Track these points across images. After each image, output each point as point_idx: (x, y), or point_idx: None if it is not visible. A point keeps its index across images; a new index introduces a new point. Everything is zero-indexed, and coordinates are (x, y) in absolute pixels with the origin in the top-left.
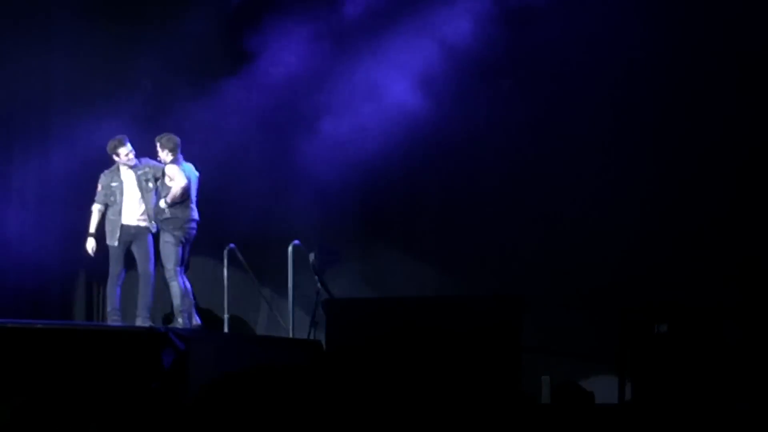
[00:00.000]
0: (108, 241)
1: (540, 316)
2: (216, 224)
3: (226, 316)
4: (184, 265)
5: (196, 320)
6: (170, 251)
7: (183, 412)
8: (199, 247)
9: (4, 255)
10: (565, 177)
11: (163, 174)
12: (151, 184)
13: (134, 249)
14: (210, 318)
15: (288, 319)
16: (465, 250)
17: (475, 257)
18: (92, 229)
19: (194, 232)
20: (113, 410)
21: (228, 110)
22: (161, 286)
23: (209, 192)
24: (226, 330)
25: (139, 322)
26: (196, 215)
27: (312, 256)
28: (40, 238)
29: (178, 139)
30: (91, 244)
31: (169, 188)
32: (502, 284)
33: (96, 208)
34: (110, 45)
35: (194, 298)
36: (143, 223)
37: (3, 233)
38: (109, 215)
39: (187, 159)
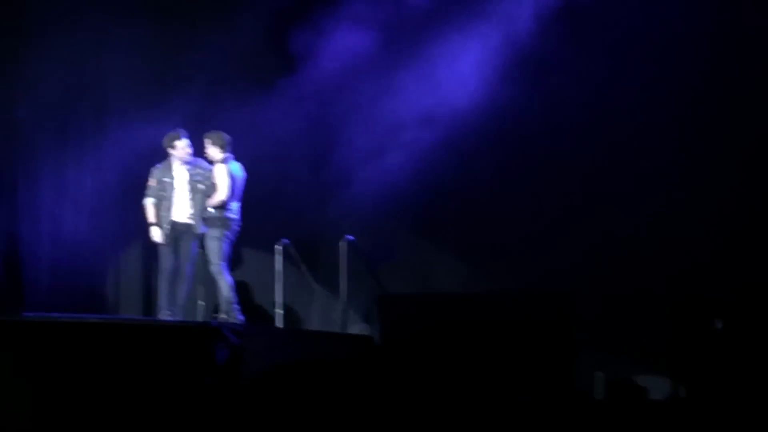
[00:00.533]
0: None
1: (594, 312)
2: (270, 220)
3: (279, 311)
4: (228, 261)
5: (239, 317)
6: (216, 247)
7: (236, 406)
8: (253, 243)
9: (60, 252)
10: (617, 172)
11: (212, 174)
12: (200, 186)
13: (180, 246)
14: (263, 313)
15: (340, 314)
16: (517, 247)
17: (526, 253)
18: (153, 219)
19: (238, 229)
20: (168, 405)
21: (281, 107)
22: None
23: (263, 188)
24: (279, 325)
25: (165, 317)
26: (239, 214)
27: (366, 251)
28: (94, 236)
29: (227, 137)
30: (157, 233)
31: (215, 189)
32: (556, 280)
33: (149, 202)
34: (163, 43)
35: (237, 294)
36: (191, 221)
37: (58, 231)
38: (161, 211)
39: (237, 158)
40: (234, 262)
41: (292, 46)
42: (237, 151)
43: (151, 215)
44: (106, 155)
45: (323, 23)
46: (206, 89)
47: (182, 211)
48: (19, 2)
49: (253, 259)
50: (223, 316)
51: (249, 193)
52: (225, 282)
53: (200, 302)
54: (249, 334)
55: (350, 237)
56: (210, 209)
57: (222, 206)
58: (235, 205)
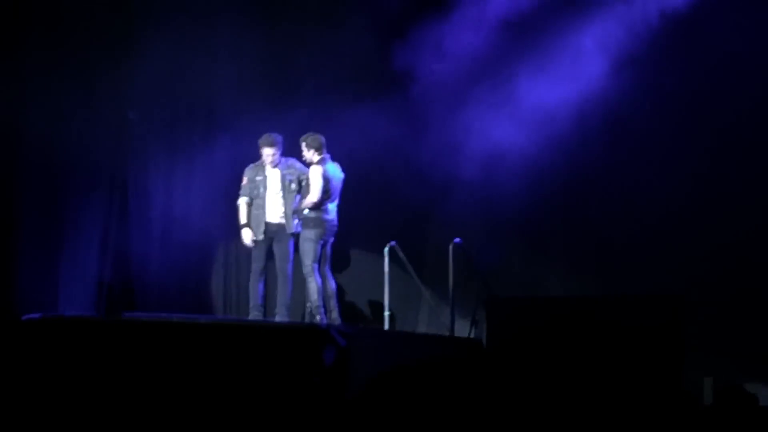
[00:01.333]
0: (252, 236)
1: (703, 316)
2: (377, 221)
3: (386, 313)
4: (328, 264)
5: (323, 320)
6: (309, 248)
7: (345, 407)
8: (361, 244)
9: (170, 252)
10: (728, 175)
11: (308, 175)
12: (294, 185)
13: (274, 246)
14: (371, 315)
15: (448, 317)
16: (625, 250)
17: (635, 257)
18: (244, 220)
19: (335, 230)
20: (276, 405)
21: (391, 110)
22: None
23: (371, 190)
24: (386, 327)
25: (278, 319)
26: (336, 215)
27: (474, 254)
28: (203, 237)
29: (322, 139)
30: (248, 235)
31: (309, 191)
32: (665, 283)
33: (243, 201)
34: (271, 47)
35: (337, 297)
36: (283, 221)
37: (168, 231)
38: (253, 210)
39: (345, 159)
40: (342, 264)
41: (401, 51)
42: (346, 153)
43: (243, 216)
44: (215, 158)
45: (434, 27)
46: (315, 93)
47: (275, 211)
48: (128, 7)
49: (361, 261)
50: (316, 317)
51: (358, 196)
52: (315, 284)
53: (307, 304)
54: (356, 336)
55: (458, 240)
56: (305, 210)
57: (317, 207)
58: (332, 206)
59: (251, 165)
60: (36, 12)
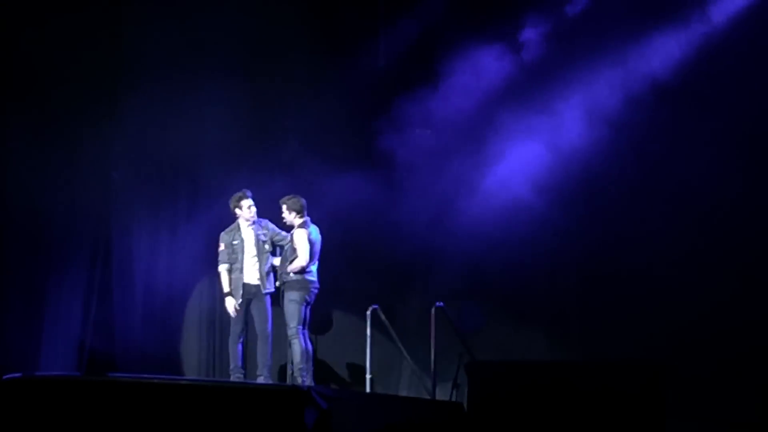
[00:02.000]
0: (235, 304)
1: (685, 383)
2: (360, 285)
3: (368, 376)
4: (307, 326)
5: (305, 382)
6: (294, 310)
7: None
8: (343, 307)
9: (152, 313)
10: (709, 246)
11: (291, 238)
12: (267, 246)
13: (253, 308)
14: (352, 378)
15: (430, 380)
16: (607, 315)
17: (618, 322)
18: (227, 288)
19: (317, 292)
20: None
21: (372, 174)
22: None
23: (354, 253)
24: (368, 390)
25: (260, 380)
26: (317, 277)
27: (455, 318)
28: (185, 299)
29: (303, 201)
30: (231, 303)
31: (295, 255)
32: (646, 348)
33: (224, 268)
34: (254, 111)
35: (312, 360)
36: (259, 282)
37: (151, 293)
38: (231, 273)
39: (325, 222)
40: (324, 326)
41: (385, 117)
42: (329, 216)
43: (225, 284)
44: (198, 220)
45: (418, 94)
46: (298, 156)
47: (252, 273)
48: (116, 68)
49: (343, 324)
50: (298, 379)
51: (340, 259)
52: (299, 346)
53: (289, 365)
54: (338, 398)
55: (440, 303)
56: (291, 274)
57: (301, 271)
58: (314, 268)
59: (226, 230)
60: (17, 74)
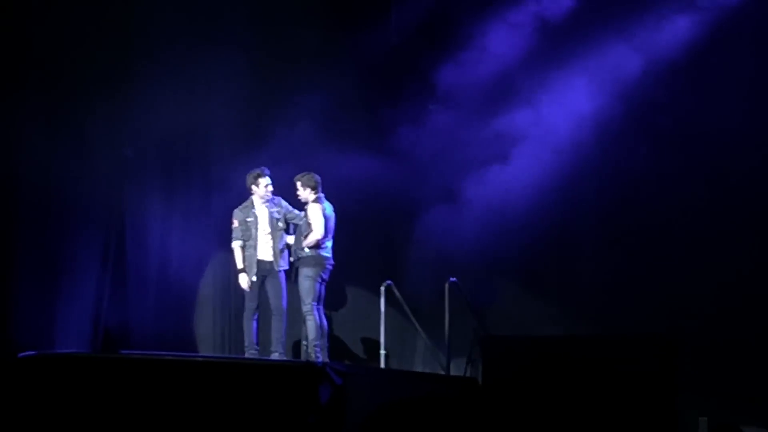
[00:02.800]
0: (249, 280)
1: (699, 357)
2: (374, 261)
3: (382, 351)
4: (322, 302)
5: (319, 358)
6: (309, 286)
7: None
8: (357, 283)
9: (166, 290)
10: (724, 217)
11: (305, 213)
12: (281, 224)
13: (267, 284)
14: (367, 354)
15: (444, 355)
16: (620, 289)
17: (630, 296)
18: (241, 264)
19: (331, 268)
20: None
21: (386, 150)
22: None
23: (367, 229)
24: (382, 366)
25: (275, 357)
26: (331, 253)
27: (469, 293)
28: (198, 273)
29: (318, 178)
30: (245, 279)
31: (310, 229)
32: (659, 322)
33: (237, 245)
34: (265, 86)
35: (327, 336)
36: (273, 259)
37: (164, 268)
38: (246, 251)
39: (338, 199)
40: (338, 302)
41: (399, 93)
42: (343, 192)
43: (239, 260)
44: (210, 196)
45: (428, 66)
46: (311, 131)
47: (266, 249)
48: (127, 45)
49: (357, 300)
50: (311, 355)
51: (354, 235)
52: (314, 322)
53: (304, 342)
54: (352, 374)
55: (454, 279)
56: (305, 249)
57: (316, 245)
58: (328, 244)
59: (239, 207)
60: (28, 53)
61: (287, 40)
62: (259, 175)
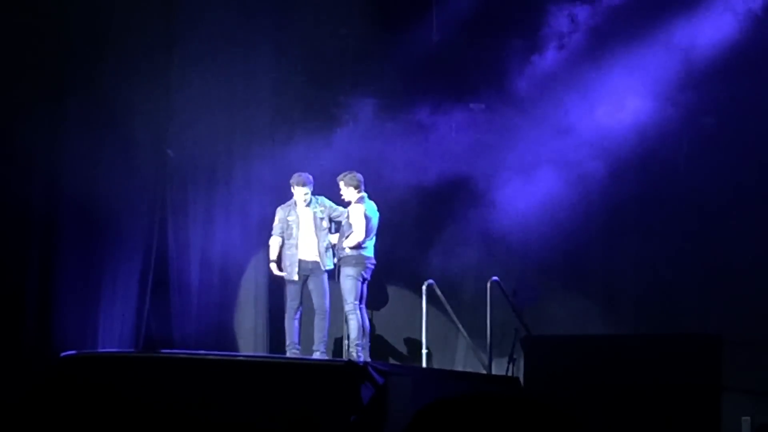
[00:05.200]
0: (287, 276)
1: (742, 356)
2: (416, 260)
3: (424, 351)
4: (364, 301)
5: (361, 357)
6: (351, 286)
7: None
8: (399, 282)
9: (208, 289)
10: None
11: (348, 214)
12: (325, 223)
13: (310, 284)
14: (408, 353)
15: (486, 355)
16: (663, 289)
17: (674, 296)
18: (273, 256)
19: (372, 268)
20: None
21: (430, 146)
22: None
23: (409, 228)
24: (423, 365)
25: (317, 356)
26: (373, 253)
27: (511, 293)
28: (241, 273)
29: (360, 177)
30: (275, 269)
31: (351, 230)
32: (703, 322)
33: (275, 241)
34: (309, 78)
35: (369, 335)
36: (317, 259)
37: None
38: (286, 249)
39: (382, 196)
40: (380, 301)
41: (436, 89)
42: (386, 191)
43: (273, 252)
44: (253, 195)
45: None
46: (354, 129)
47: (309, 249)
48: (168, 47)
49: (399, 299)
50: (353, 354)
51: (397, 234)
52: (356, 321)
53: (345, 341)
54: (394, 373)
55: (495, 278)
56: (347, 249)
57: (357, 246)
58: (370, 244)
59: (283, 205)
60: (73, 56)
61: (328, 40)
62: (298, 183)
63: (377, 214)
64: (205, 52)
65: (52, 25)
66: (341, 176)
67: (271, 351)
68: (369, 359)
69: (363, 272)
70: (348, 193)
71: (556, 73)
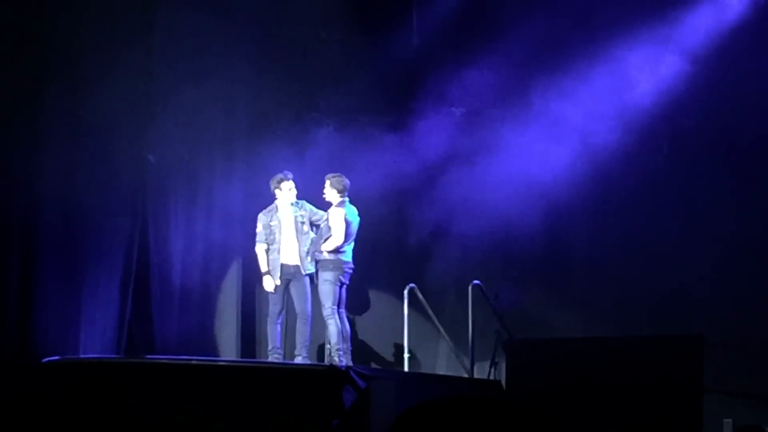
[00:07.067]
0: (273, 283)
1: (723, 357)
2: (397, 264)
3: (406, 354)
4: (344, 305)
5: (342, 362)
6: (329, 290)
7: None
8: (380, 286)
9: (189, 294)
10: (750, 216)
11: (327, 217)
12: (306, 227)
13: (292, 288)
14: (390, 357)
15: (468, 358)
16: (645, 292)
17: (655, 298)
18: (265, 268)
19: (351, 272)
20: None
21: (409, 150)
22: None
23: (391, 232)
24: (406, 369)
25: (299, 360)
26: (352, 257)
27: (493, 297)
28: (221, 278)
29: (347, 181)
30: (269, 282)
31: (330, 234)
32: (684, 324)
33: (261, 248)
34: (290, 81)
35: (350, 339)
36: (299, 263)
37: (188, 272)
38: (269, 254)
39: (364, 200)
40: (361, 306)
41: (422, 94)
42: (366, 194)
43: (263, 264)
44: (233, 199)
45: (448, 68)
46: (334, 133)
47: (290, 253)
48: (147, 50)
49: (380, 304)
50: (334, 359)
51: (378, 238)
52: (335, 326)
53: (328, 346)
54: (376, 377)
55: (477, 282)
56: (324, 253)
57: (335, 250)
58: (349, 249)
59: (264, 210)
60: (51, 60)
61: (308, 43)
62: (282, 180)
63: (358, 218)
64: (185, 55)
65: (30, 31)
66: (329, 176)
67: (254, 356)
68: (351, 363)
69: (341, 276)
70: (331, 194)
71: (535, 77)
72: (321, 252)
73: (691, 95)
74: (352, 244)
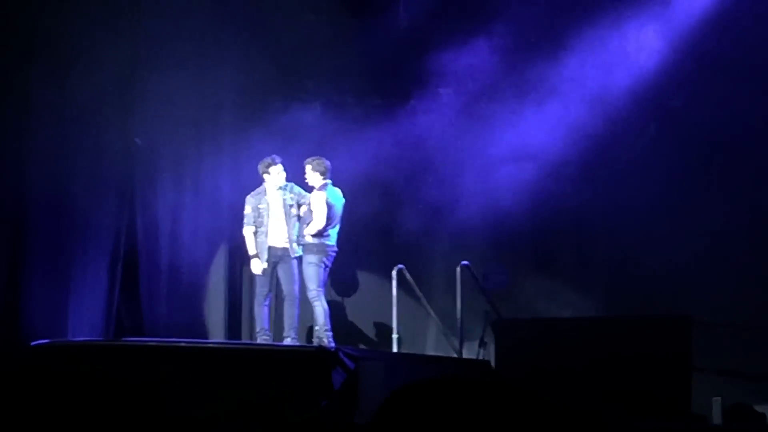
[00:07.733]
0: (261, 266)
1: (712, 336)
2: (385, 245)
3: (395, 335)
4: (324, 286)
5: (331, 343)
6: (313, 272)
7: (354, 430)
8: (368, 267)
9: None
10: (739, 198)
11: (309, 201)
12: (294, 210)
13: (279, 270)
14: (379, 338)
15: (457, 339)
16: (633, 270)
17: (644, 277)
18: (253, 251)
19: (334, 255)
20: (287, 428)
21: (399, 131)
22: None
23: (378, 213)
24: (394, 349)
25: (288, 342)
26: (336, 240)
27: (481, 277)
28: (210, 259)
29: (328, 164)
30: (257, 265)
31: (311, 217)
32: (672, 304)
33: (249, 231)
34: (277, 63)
35: (331, 320)
36: (287, 245)
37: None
38: (257, 237)
39: (352, 181)
40: (350, 287)
41: (410, 74)
42: (354, 176)
43: (251, 246)
44: (221, 182)
45: (437, 49)
46: (321, 115)
47: (278, 236)
48: (134, 34)
49: (368, 285)
50: (323, 340)
51: (365, 219)
52: (321, 308)
53: (316, 327)
54: (365, 358)
55: (465, 262)
56: (308, 237)
57: (318, 233)
58: (332, 232)
59: (252, 193)
60: (38, 45)
61: (295, 25)
62: (270, 164)
63: (342, 200)
64: (172, 38)
65: (16, 18)
66: (309, 160)
67: (242, 338)
68: (334, 344)
69: (325, 259)
70: (313, 177)
71: (523, 58)
72: (304, 236)
73: (678, 77)
74: (337, 227)
